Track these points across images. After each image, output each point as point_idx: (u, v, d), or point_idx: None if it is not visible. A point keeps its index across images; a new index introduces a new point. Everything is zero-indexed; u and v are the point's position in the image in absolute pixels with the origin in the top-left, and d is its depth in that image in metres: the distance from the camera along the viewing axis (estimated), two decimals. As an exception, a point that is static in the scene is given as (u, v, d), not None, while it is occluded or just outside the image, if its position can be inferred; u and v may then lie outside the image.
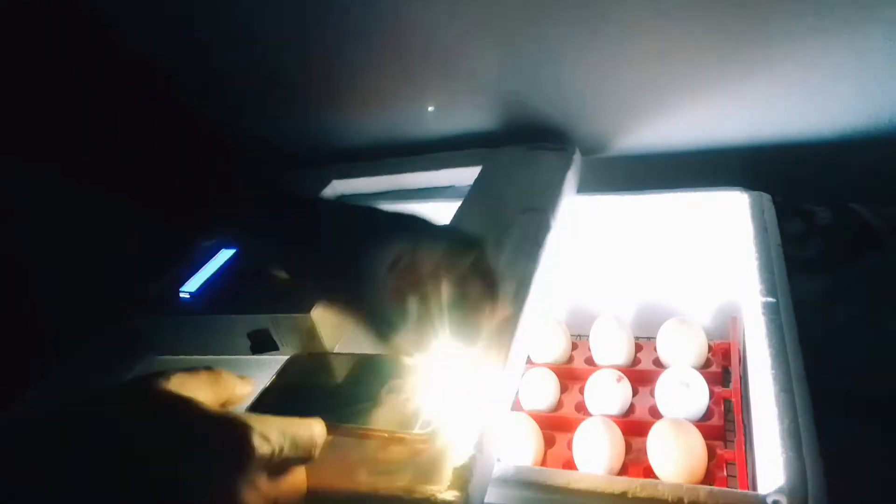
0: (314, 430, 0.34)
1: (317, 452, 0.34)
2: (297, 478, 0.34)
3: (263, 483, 0.30)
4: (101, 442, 0.28)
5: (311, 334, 0.50)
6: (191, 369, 0.34)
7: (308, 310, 0.49)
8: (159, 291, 0.59)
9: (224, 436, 0.30)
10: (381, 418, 0.40)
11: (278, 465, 0.32)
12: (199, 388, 0.33)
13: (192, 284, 0.58)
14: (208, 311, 0.55)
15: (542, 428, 0.61)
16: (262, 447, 0.30)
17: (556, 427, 0.63)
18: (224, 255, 0.62)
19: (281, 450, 0.31)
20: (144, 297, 0.60)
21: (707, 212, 0.64)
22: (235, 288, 0.56)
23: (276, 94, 0.88)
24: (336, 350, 0.52)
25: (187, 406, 0.31)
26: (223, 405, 0.35)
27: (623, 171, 0.74)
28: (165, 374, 0.32)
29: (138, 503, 0.27)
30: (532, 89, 0.71)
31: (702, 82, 0.63)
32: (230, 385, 0.36)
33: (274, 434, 0.31)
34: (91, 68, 0.42)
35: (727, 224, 0.62)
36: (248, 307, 0.52)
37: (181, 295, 0.57)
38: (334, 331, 0.52)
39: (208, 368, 0.35)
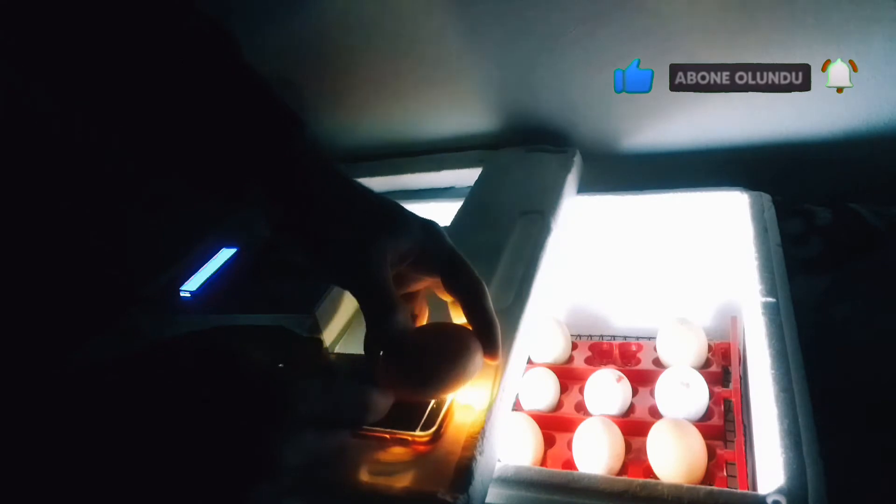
0: (364, 396, 0.35)
1: (369, 417, 0.35)
2: (342, 438, 0.35)
3: (309, 438, 0.31)
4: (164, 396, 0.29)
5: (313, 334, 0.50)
6: (252, 327, 0.36)
7: (311, 310, 0.49)
8: (159, 291, 0.59)
9: (262, 393, 0.31)
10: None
11: (327, 424, 0.33)
12: (258, 347, 0.34)
13: (193, 284, 0.58)
14: (208, 310, 0.55)
15: (542, 428, 0.61)
16: (299, 406, 0.31)
17: (556, 427, 0.63)
18: (224, 254, 0.62)
19: (322, 410, 0.32)
20: (144, 296, 0.60)
21: (707, 212, 0.64)
22: (235, 287, 0.56)
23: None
24: (336, 350, 0.52)
25: (234, 362, 0.32)
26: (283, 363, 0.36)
27: (623, 171, 0.74)
28: (229, 329, 0.35)
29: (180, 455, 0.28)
30: (532, 91, 0.71)
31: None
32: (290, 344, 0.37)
33: (313, 394, 0.32)
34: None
35: (727, 224, 0.62)
36: (249, 307, 0.53)
37: (181, 294, 0.57)
38: (336, 330, 0.52)
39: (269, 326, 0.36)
